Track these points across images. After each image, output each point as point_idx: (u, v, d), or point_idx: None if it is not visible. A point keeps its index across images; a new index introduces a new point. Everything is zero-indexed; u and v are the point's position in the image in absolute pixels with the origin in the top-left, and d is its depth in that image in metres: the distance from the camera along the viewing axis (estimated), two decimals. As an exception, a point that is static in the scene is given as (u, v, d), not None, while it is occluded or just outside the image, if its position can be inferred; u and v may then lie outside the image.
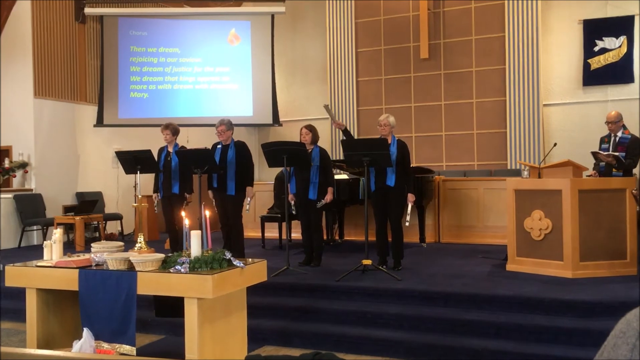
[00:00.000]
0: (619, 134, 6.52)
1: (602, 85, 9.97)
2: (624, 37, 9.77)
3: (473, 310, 4.80)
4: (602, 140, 6.73)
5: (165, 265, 3.80)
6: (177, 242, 6.61)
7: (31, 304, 4.12)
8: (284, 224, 7.68)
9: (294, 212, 6.40)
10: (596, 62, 9.99)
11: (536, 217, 5.60)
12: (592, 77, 10.02)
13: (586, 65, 10.05)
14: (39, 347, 4.06)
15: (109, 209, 10.37)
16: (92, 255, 4.11)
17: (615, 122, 6.51)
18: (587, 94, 10.12)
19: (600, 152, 6.42)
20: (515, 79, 10.33)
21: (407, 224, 6.02)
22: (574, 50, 10.21)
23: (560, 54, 10.34)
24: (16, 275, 4.17)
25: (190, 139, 10.05)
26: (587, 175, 6.56)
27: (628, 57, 9.75)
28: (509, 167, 10.24)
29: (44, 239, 8.48)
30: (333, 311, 5.10)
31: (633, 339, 0.75)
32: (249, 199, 6.47)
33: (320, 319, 5.07)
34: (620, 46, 9.81)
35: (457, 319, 4.70)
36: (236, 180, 6.38)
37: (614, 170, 6.30)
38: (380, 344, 4.63)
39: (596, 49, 9.97)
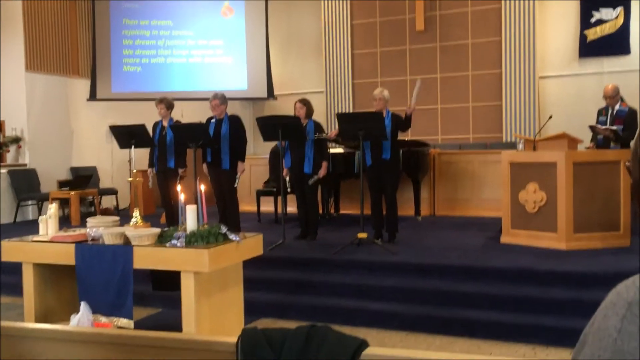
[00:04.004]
0: (617, 106, 6.52)
1: (598, 57, 9.91)
2: (621, 7, 9.68)
3: (467, 282, 4.85)
4: (599, 113, 6.73)
5: (162, 240, 3.81)
6: (173, 216, 6.62)
7: (28, 278, 4.14)
8: (279, 198, 7.69)
9: (288, 190, 6.39)
10: (592, 34, 9.91)
11: (531, 189, 5.62)
12: (589, 49, 9.95)
13: (582, 37, 9.98)
14: (37, 321, 4.08)
15: (104, 183, 10.35)
16: (88, 230, 4.11)
17: (613, 96, 6.50)
18: (583, 66, 10.06)
19: (598, 125, 6.42)
20: (511, 51, 10.26)
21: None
22: (570, 21, 10.13)
23: (556, 25, 10.25)
24: (12, 250, 4.18)
25: (185, 114, 9.98)
26: (585, 148, 6.57)
27: (624, 28, 9.68)
28: (504, 140, 10.23)
29: (39, 214, 8.47)
30: (329, 284, 5.14)
31: (623, 309, 0.75)
32: (239, 174, 6.45)
33: (316, 292, 5.11)
34: (617, 17, 9.73)
35: (451, 291, 4.75)
36: (230, 154, 6.37)
37: (612, 143, 6.31)
38: (375, 316, 4.68)
39: (592, 20, 9.89)
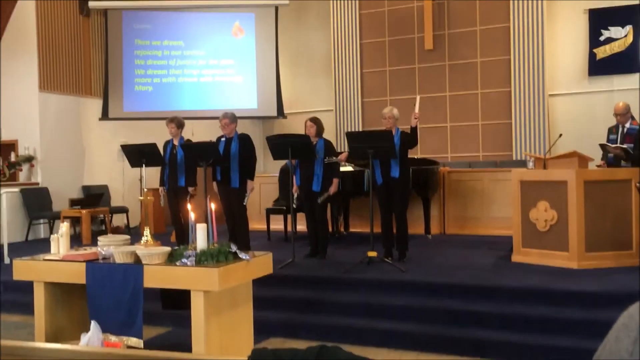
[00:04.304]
0: (627, 124, 6.50)
1: (607, 75, 9.91)
2: (630, 26, 9.69)
3: (478, 301, 4.81)
4: (610, 131, 6.71)
5: (172, 259, 3.82)
6: (183, 235, 6.64)
7: (39, 297, 4.16)
8: (289, 216, 7.69)
9: (294, 205, 6.36)
10: (602, 52, 9.92)
11: (541, 208, 5.60)
12: (598, 67, 9.96)
13: (592, 55, 9.99)
14: (47, 340, 4.09)
15: (115, 202, 10.41)
16: (99, 248, 4.13)
17: (624, 114, 6.50)
18: (593, 84, 10.06)
19: (609, 144, 6.41)
20: (521, 70, 10.28)
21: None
22: (579, 40, 10.15)
23: (565, 43, 10.28)
24: (24, 268, 4.20)
25: (196, 132, 10.05)
26: (596, 166, 6.54)
27: (634, 46, 9.69)
28: (514, 158, 10.21)
29: (51, 233, 8.52)
30: (339, 303, 5.12)
31: (635, 332, 0.75)
32: (248, 193, 6.47)
33: (326, 311, 5.09)
34: (626, 35, 9.74)
35: (462, 310, 4.71)
36: (240, 173, 6.39)
37: (622, 161, 6.28)
38: (385, 335, 4.65)
39: (602, 38, 9.91)
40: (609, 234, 5.42)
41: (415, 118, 5.86)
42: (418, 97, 6.06)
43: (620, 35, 9.80)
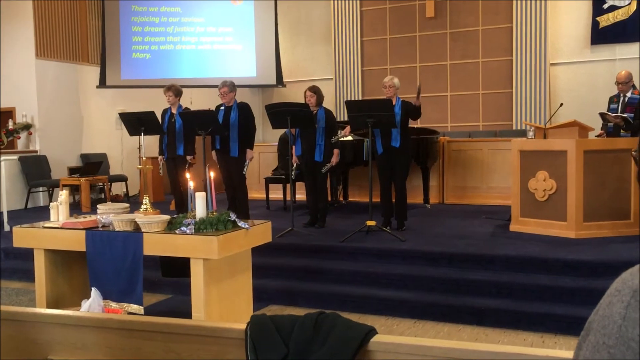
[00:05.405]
0: (629, 94, 6.47)
1: (610, 44, 9.81)
2: (634, -6, 9.55)
3: (476, 270, 4.85)
4: (610, 100, 6.68)
5: (171, 227, 3.83)
6: (182, 203, 6.65)
7: (39, 264, 4.18)
8: (288, 185, 7.70)
9: (292, 176, 6.32)
10: (605, 20, 9.80)
11: (541, 177, 5.60)
12: (601, 36, 9.84)
13: (595, 24, 9.87)
14: (49, 306, 4.13)
15: (114, 170, 10.41)
16: (98, 216, 4.14)
17: (626, 83, 6.45)
18: (595, 53, 9.96)
19: (608, 113, 6.38)
20: (522, 38, 10.17)
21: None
22: (582, 8, 10.02)
23: (568, 11, 10.14)
24: (24, 236, 4.22)
25: (194, 101, 10.00)
26: (595, 136, 6.53)
27: (637, 14, 9.56)
28: (514, 128, 10.17)
29: (50, 201, 8.54)
30: (337, 271, 5.16)
31: (628, 296, 0.75)
32: (247, 162, 6.46)
33: (324, 279, 5.13)
34: (629, 3, 9.61)
35: (460, 279, 4.75)
36: (239, 142, 6.37)
37: (622, 131, 6.27)
38: (384, 304, 4.70)
39: (605, 6, 9.77)
40: (607, 203, 5.44)
41: (418, 103, 5.85)
42: (419, 83, 5.99)
43: (623, 3, 9.66)
